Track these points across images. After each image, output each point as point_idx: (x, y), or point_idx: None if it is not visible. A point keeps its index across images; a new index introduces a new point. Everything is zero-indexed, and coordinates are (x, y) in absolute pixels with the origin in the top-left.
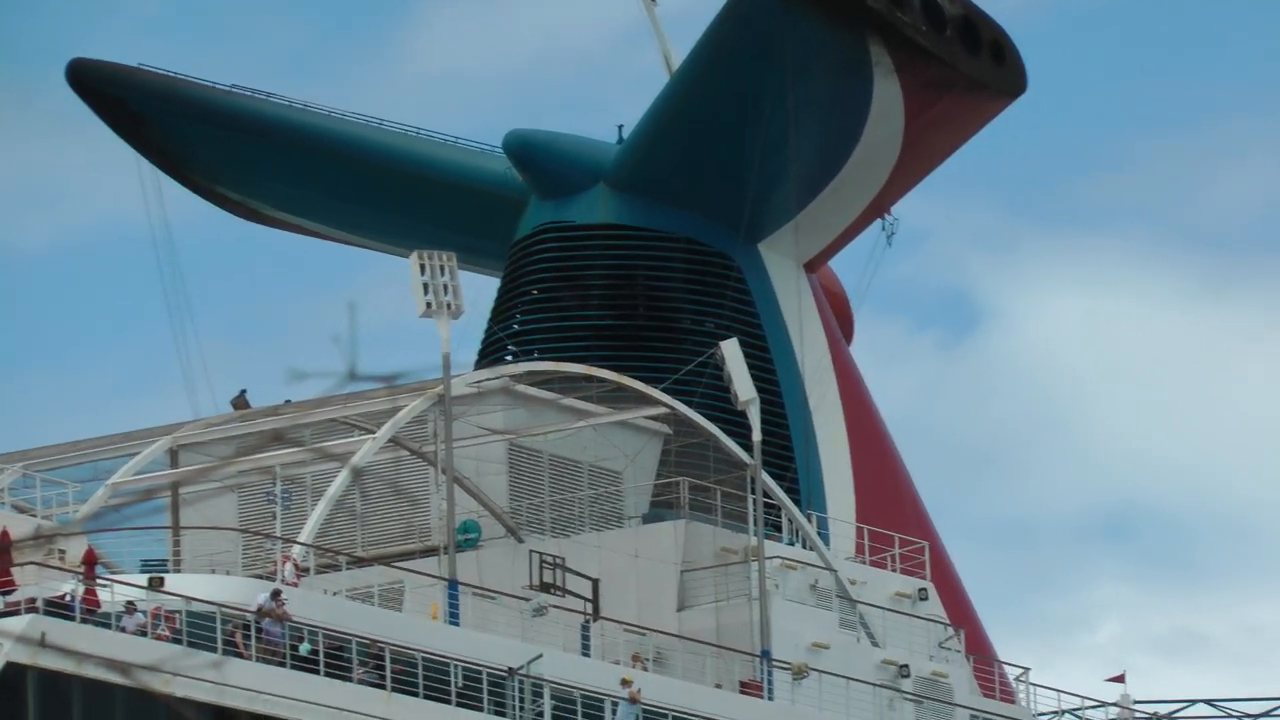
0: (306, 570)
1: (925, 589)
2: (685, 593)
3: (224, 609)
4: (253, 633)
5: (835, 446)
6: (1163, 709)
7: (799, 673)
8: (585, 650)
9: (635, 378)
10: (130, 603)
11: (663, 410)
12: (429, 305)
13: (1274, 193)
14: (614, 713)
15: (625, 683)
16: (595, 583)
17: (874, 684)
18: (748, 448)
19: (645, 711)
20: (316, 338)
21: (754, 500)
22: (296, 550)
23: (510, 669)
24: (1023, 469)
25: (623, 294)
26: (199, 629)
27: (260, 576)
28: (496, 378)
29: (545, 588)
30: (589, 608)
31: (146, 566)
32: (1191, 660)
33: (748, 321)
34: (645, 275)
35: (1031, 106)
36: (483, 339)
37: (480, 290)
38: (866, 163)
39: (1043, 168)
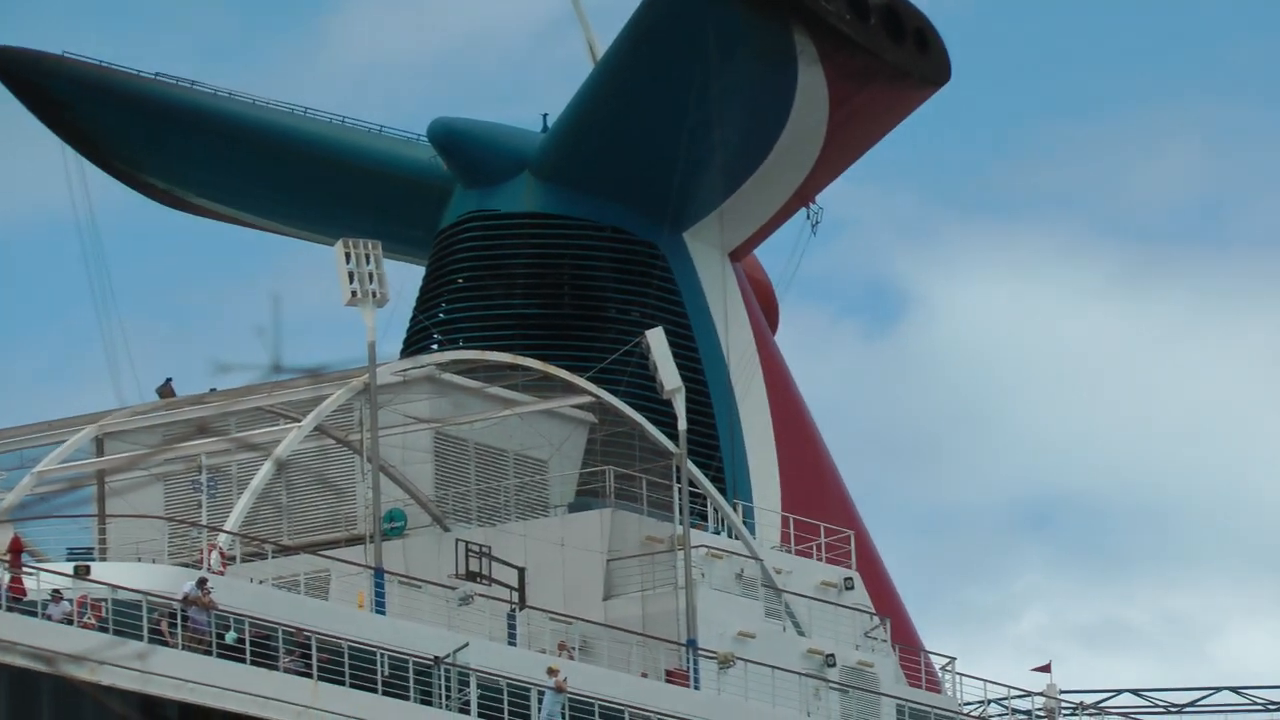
0: (232, 558)
1: (851, 578)
2: (611, 582)
3: (150, 597)
4: (179, 621)
5: (761, 436)
6: (1088, 698)
7: (725, 662)
8: (511, 639)
9: (561, 366)
10: (56, 591)
11: (588, 399)
12: (354, 294)
13: (1197, 182)
14: (540, 702)
15: (552, 672)
16: (521, 572)
17: (800, 673)
18: (673, 437)
19: (571, 701)
20: (242, 325)
21: (679, 489)
22: (222, 538)
23: (436, 658)
24: (947, 458)
25: (548, 283)
26: (125, 617)
27: (186, 565)
28: (422, 366)
29: (471, 576)
30: (515, 597)
31: (73, 555)
32: (1116, 649)
33: (673, 310)
34: (570, 264)
35: (955, 95)
36: (408, 328)
37: (405, 279)
38: (791, 152)
39: (966, 157)
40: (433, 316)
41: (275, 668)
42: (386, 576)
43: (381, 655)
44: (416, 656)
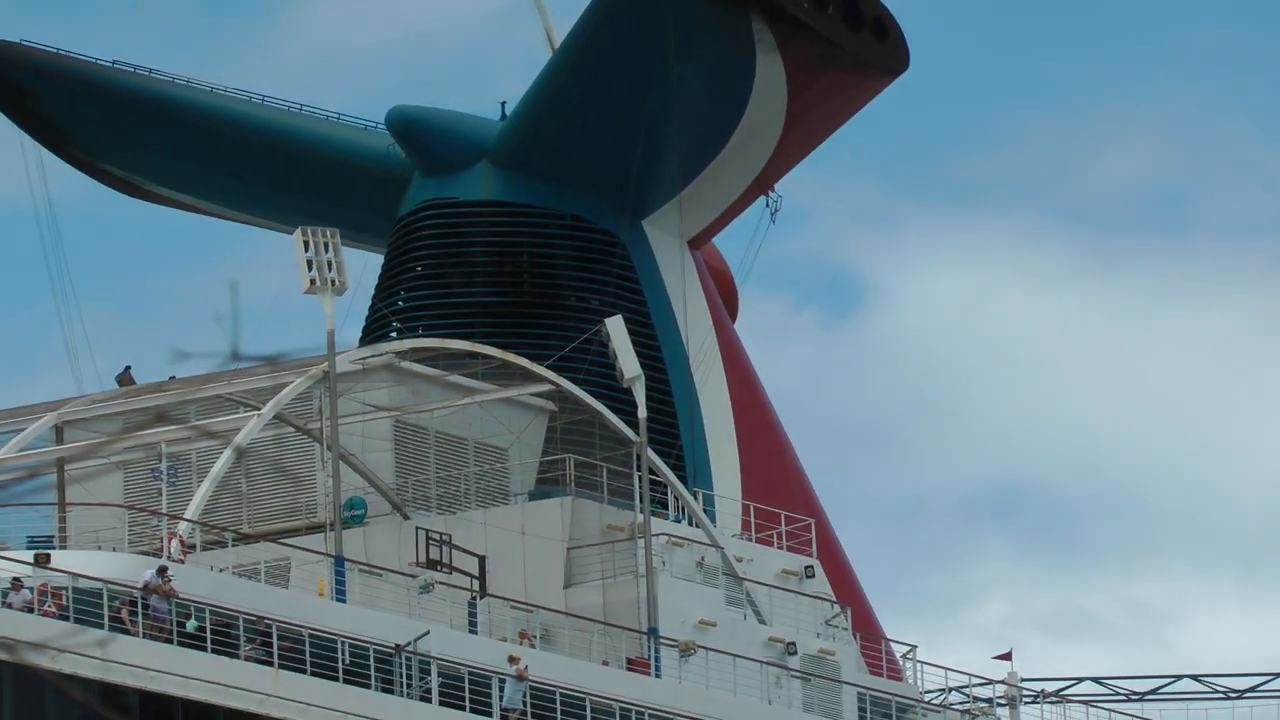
0: (193, 547)
1: (812, 566)
2: (572, 570)
3: (111, 585)
4: (139, 609)
5: (721, 424)
6: (1050, 686)
7: (686, 650)
8: (472, 627)
9: (520, 355)
10: (17, 579)
11: (548, 387)
12: (313, 282)
13: (1156, 170)
14: (502, 690)
15: (513, 660)
16: (482, 560)
17: (761, 661)
18: (633, 425)
19: (532, 688)
20: (201, 313)
21: (640, 477)
22: (183, 527)
23: (397, 646)
24: (908, 446)
25: (507, 271)
26: (86, 605)
27: (147, 553)
28: (381, 354)
29: (432, 565)
30: (476, 585)
31: (33, 543)
32: (1078, 638)
33: (632, 299)
34: (529, 252)
35: (914, 83)
36: (367, 316)
37: (364, 267)
38: (750, 140)
39: (925, 145)
40: (392, 304)
41: (236, 656)
42: (347, 565)
43: (342, 643)
44: (377, 645)
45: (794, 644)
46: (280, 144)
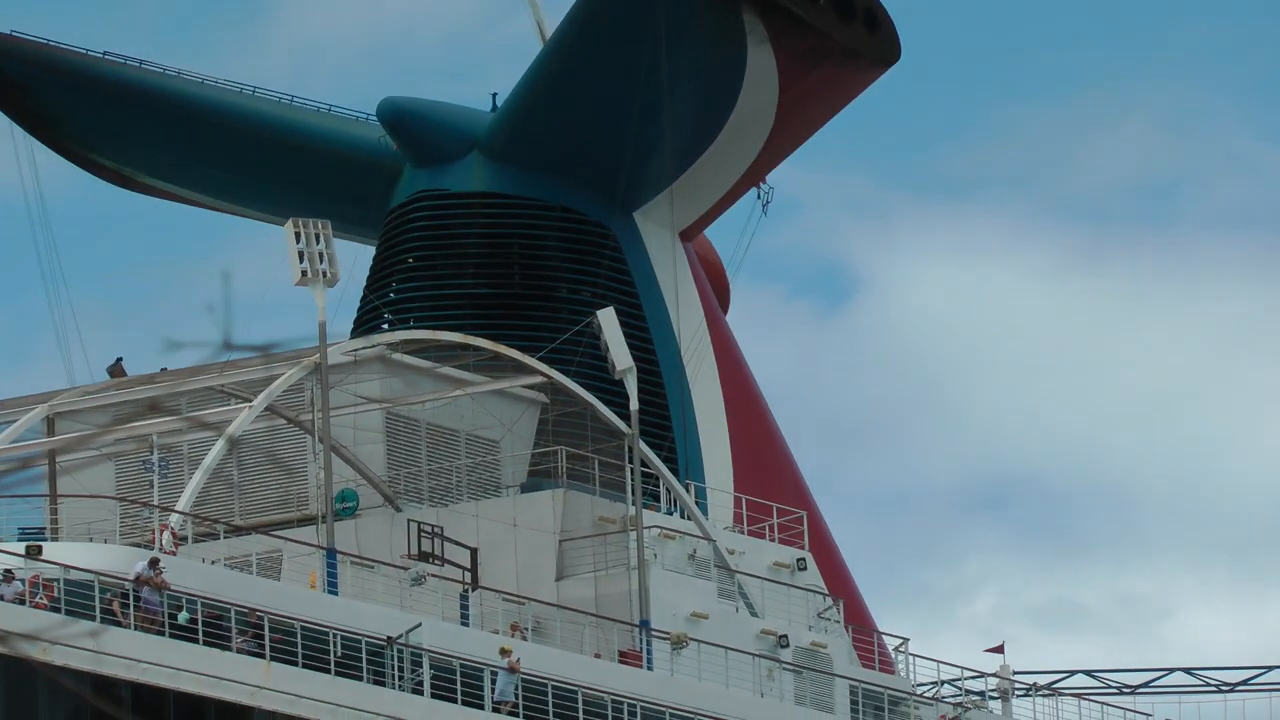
0: (184, 539)
1: (804, 559)
2: (564, 562)
3: (102, 577)
4: (131, 601)
5: (713, 416)
6: (1042, 679)
7: (678, 642)
8: (464, 620)
9: (512, 346)
10: (8, 571)
11: (540, 379)
12: (304, 273)
13: (1149, 163)
14: (493, 682)
15: (504, 652)
16: (474, 552)
17: (753, 654)
18: (625, 417)
19: (524, 681)
20: (191, 305)
21: (632, 470)
22: (174, 518)
23: (389, 638)
24: (899, 439)
25: (498, 262)
26: (77, 597)
27: (138, 545)
28: (373, 346)
29: (424, 557)
30: (467, 577)
31: (24, 535)
32: (1069, 631)
33: (624, 290)
34: (521, 244)
35: (905, 75)
36: (359, 307)
37: (356, 259)
38: (741, 131)
39: (917, 137)
40: (383, 296)
41: (228, 648)
42: (339, 557)
43: (334, 635)
44: (369, 637)
45: (786, 637)
46: (271, 135)
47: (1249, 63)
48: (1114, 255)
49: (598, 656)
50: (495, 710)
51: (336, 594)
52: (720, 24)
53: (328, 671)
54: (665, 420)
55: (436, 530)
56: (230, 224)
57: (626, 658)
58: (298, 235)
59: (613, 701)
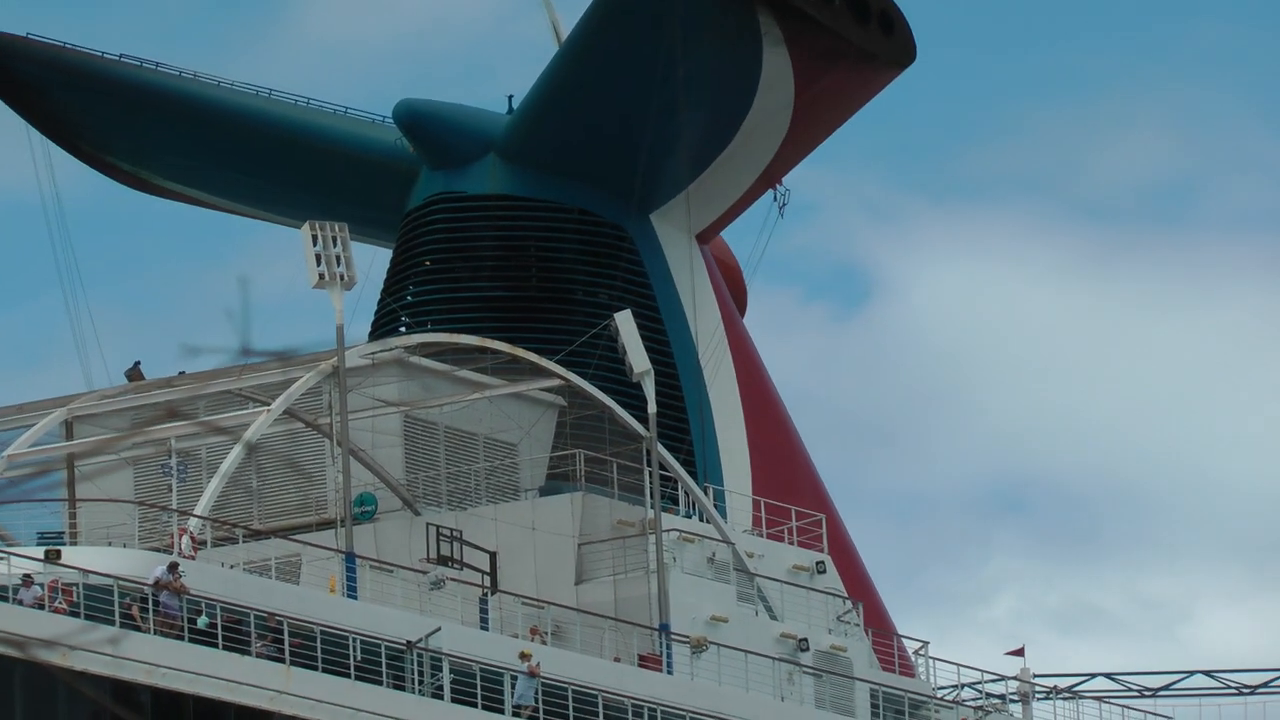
0: (203, 543)
1: (823, 562)
2: (583, 566)
3: (121, 582)
4: (150, 606)
5: (730, 418)
6: (1062, 682)
7: (698, 646)
8: (484, 623)
9: (529, 349)
10: (27, 575)
11: (557, 382)
12: (322, 276)
13: (1164, 164)
14: (513, 686)
15: (524, 656)
16: (493, 556)
17: (773, 657)
18: (643, 420)
19: (544, 685)
20: (209, 308)
21: (650, 473)
22: (193, 523)
23: (409, 642)
24: (918, 441)
25: (515, 265)
26: (96, 602)
27: (157, 549)
28: (390, 349)
29: (443, 561)
30: (487, 581)
31: (43, 539)
32: (1088, 634)
33: (641, 293)
34: (537, 246)
35: (920, 77)
36: (376, 310)
37: (373, 261)
38: (757, 133)
39: (932, 139)
40: (400, 299)
41: (247, 652)
42: (358, 561)
43: (354, 640)
44: (388, 641)
45: (806, 640)
46: (288, 138)
47: (1263, 65)
48: (1129, 256)
49: (617, 660)
50: (515, 714)
51: (356, 598)
52: (736, 26)
53: (347, 676)
54: (683, 423)
55: (455, 534)
56: (247, 227)
57: (646, 661)
58: (315, 238)
59: (633, 705)
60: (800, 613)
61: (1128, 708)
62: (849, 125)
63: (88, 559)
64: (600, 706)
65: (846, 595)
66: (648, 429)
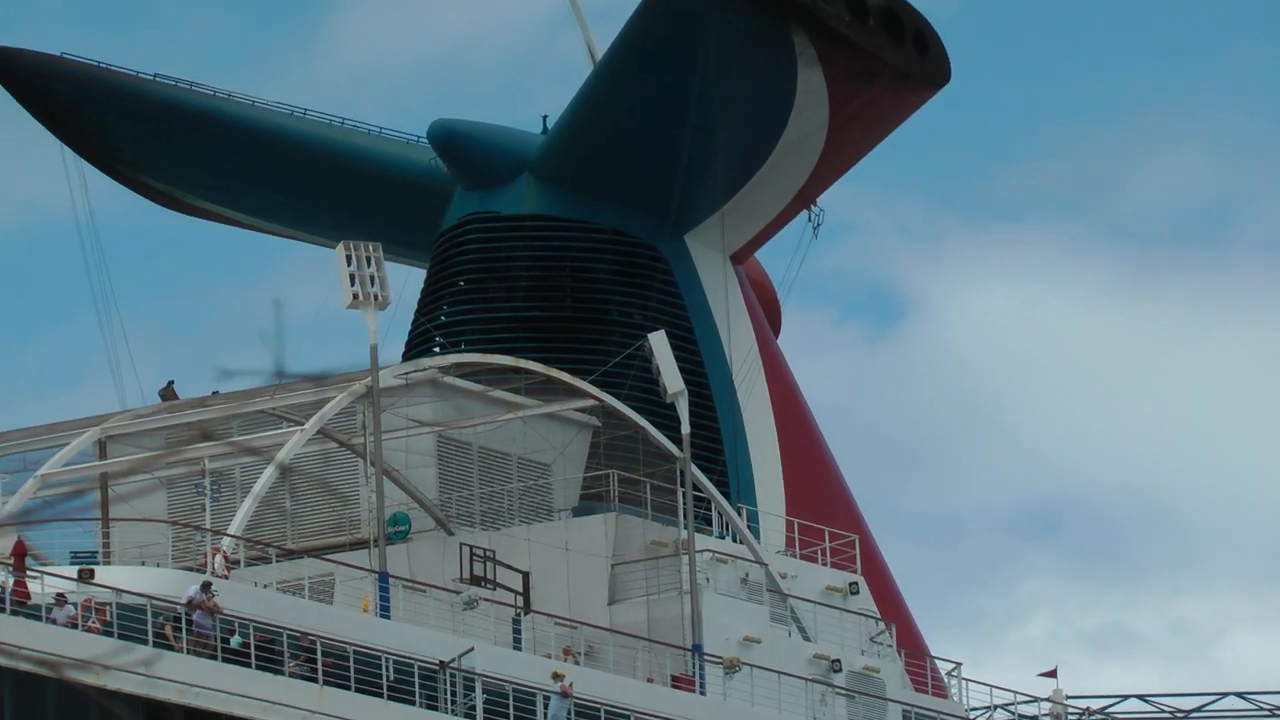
0: (237, 562)
1: (856, 583)
2: (616, 586)
3: (154, 601)
4: (183, 625)
5: (764, 439)
6: (1095, 704)
7: (731, 667)
8: (517, 644)
9: (563, 370)
10: (60, 595)
11: (591, 403)
12: (356, 296)
13: (1200, 186)
14: (546, 707)
15: (557, 676)
16: (526, 576)
17: (806, 678)
18: (677, 440)
19: (577, 706)
20: (243, 328)
21: (684, 493)
22: (226, 542)
23: (442, 662)
24: (951, 462)
25: (550, 285)
26: (129, 621)
27: (190, 569)
28: (424, 370)
29: (476, 581)
30: (520, 601)
31: (76, 558)
32: (1122, 656)
33: (675, 313)
34: (572, 266)
35: (956, 97)
36: (410, 330)
37: (406, 281)
38: (792, 154)
39: (967, 159)
40: (434, 319)
41: (280, 672)
42: (391, 581)
43: (386, 660)
44: (421, 661)
45: (839, 661)
46: (322, 158)
47: None
48: (1165, 278)
49: (650, 681)
50: None
51: (389, 618)
52: (770, 46)
53: (380, 696)
54: (717, 444)
55: (489, 554)
56: (281, 246)
57: (679, 682)
58: (349, 258)
59: None
60: (833, 634)
61: None
62: (884, 146)
63: (121, 578)
64: None
65: (879, 616)
66: (681, 449)
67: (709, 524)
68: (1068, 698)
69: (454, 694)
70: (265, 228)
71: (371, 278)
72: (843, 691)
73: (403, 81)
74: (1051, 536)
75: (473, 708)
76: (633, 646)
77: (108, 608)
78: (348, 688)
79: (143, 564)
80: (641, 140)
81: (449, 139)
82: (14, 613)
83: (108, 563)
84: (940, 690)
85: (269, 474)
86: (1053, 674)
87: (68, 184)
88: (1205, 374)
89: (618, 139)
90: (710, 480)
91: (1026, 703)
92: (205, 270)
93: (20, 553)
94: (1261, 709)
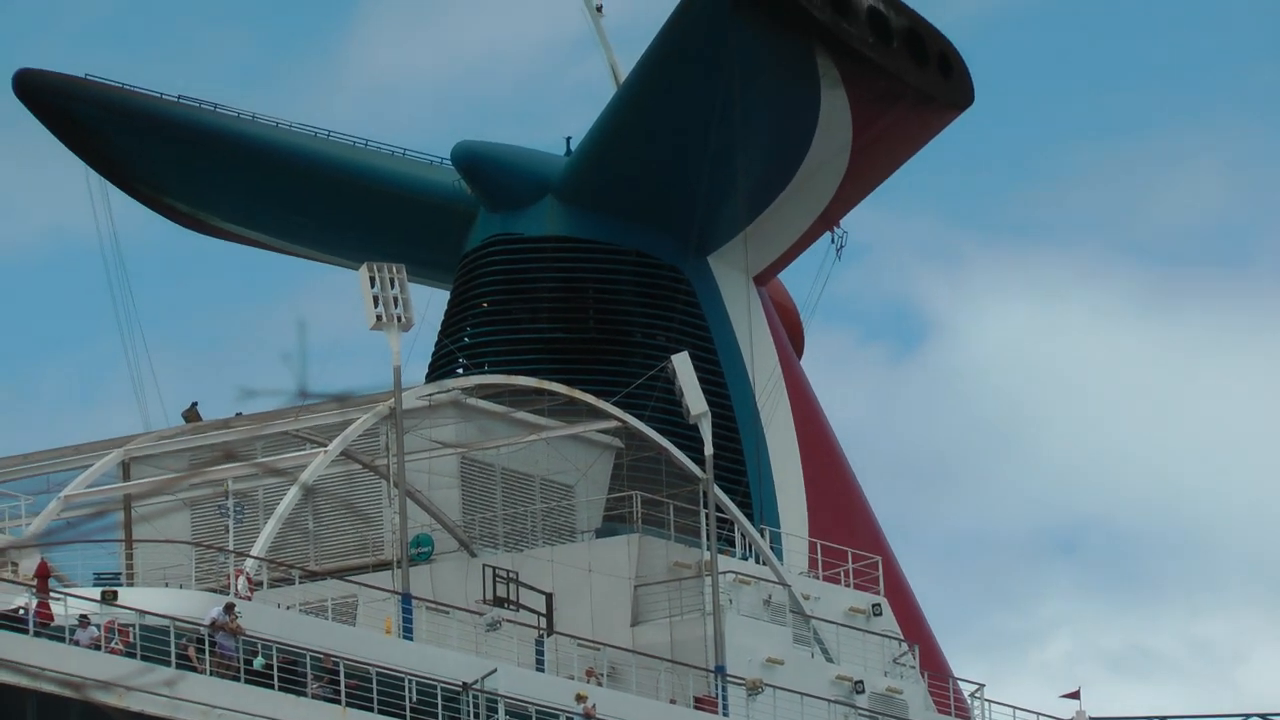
0: (260, 584)
1: (879, 604)
2: (639, 607)
3: (178, 622)
4: (206, 647)
5: (787, 460)
6: None
7: (753, 688)
8: (539, 665)
9: (586, 391)
10: (84, 616)
11: (614, 424)
12: (379, 318)
13: (1219, 205)
14: None
15: (580, 698)
16: (549, 597)
17: (828, 700)
18: (700, 462)
19: None
20: (266, 349)
21: (706, 515)
22: (249, 564)
23: (465, 684)
24: (974, 483)
25: (573, 307)
26: (152, 643)
27: (214, 590)
28: (447, 391)
29: (499, 602)
30: (543, 622)
31: (100, 580)
32: (1144, 676)
33: (698, 335)
34: (595, 288)
35: (978, 118)
36: (433, 352)
37: (430, 303)
38: (815, 175)
39: (990, 180)
40: (458, 341)
41: (303, 693)
42: (414, 602)
43: (409, 681)
44: (444, 682)
45: (861, 682)
46: (345, 179)
47: None
48: (1186, 297)
49: (673, 702)
50: None
51: (412, 639)
52: (793, 67)
53: (403, 717)
54: (740, 465)
55: (512, 575)
56: (304, 268)
57: (702, 703)
58: (372, 280)
59: None
60: (856, 655)
61: None
62: (907, 167)
63: (144, 600)
64: None
65: (902, 637)
66: (704, 471)
67: (732, 545)
68: (1090, 718)
69: (477, 715)
70: (288, 249)
71: (395, 299)
72: (865, 713)
73: (425, 103)
74: (1073, 556)
75: None
76: (655, 668)
77: (131, 629)
78: (370, 709)
79: (166, 585)
80: (665, 162)
81: (472, 161)
82: (37, 634)
83: (131, 584)
84: (963, 712)
85: (292, 495)
86: (1076, 695)
87: (91, 205)
88: (1226, 393)
89: (641, 161)
90: (733, 502)
91: None
92: (228, 291)
93: (44, 574)
94: None
